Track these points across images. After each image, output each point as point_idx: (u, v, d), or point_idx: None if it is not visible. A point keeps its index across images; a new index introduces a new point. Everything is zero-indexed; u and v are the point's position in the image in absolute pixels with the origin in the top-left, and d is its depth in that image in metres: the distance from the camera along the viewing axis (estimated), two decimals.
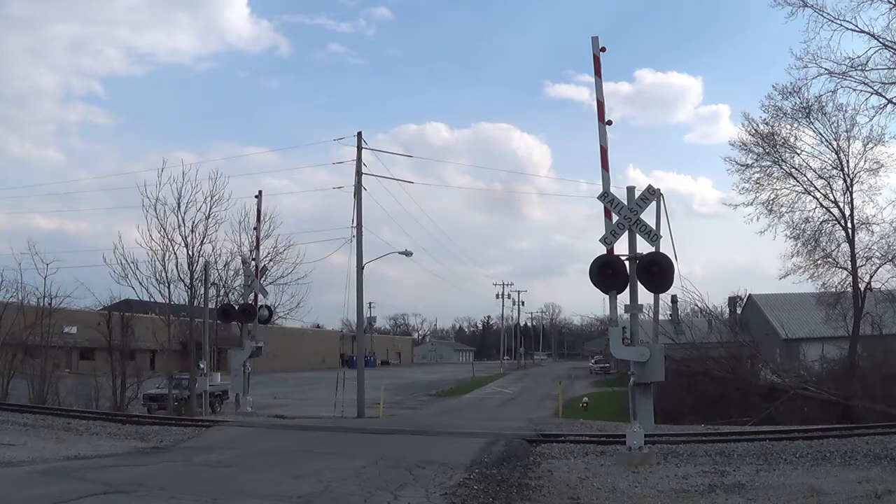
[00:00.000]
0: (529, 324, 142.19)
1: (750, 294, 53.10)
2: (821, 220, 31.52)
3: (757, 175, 32.03)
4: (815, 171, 31.50)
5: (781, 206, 31.80)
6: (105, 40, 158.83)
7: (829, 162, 31.20)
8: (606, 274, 13.62)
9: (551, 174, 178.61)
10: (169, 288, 27.08)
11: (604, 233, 13.87)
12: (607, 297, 14.00)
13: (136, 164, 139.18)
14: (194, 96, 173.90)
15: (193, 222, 27.31)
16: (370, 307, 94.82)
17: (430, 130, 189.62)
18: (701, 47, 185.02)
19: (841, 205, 31.04)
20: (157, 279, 26.96)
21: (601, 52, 14.11)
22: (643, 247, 13.75)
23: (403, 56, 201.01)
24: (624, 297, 13.91)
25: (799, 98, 29.78)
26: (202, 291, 27.36)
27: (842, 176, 30.94)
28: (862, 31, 25.03)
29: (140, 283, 27.07)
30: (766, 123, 31.62)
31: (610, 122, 14.32)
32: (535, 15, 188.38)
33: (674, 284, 14.06)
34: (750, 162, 32.10)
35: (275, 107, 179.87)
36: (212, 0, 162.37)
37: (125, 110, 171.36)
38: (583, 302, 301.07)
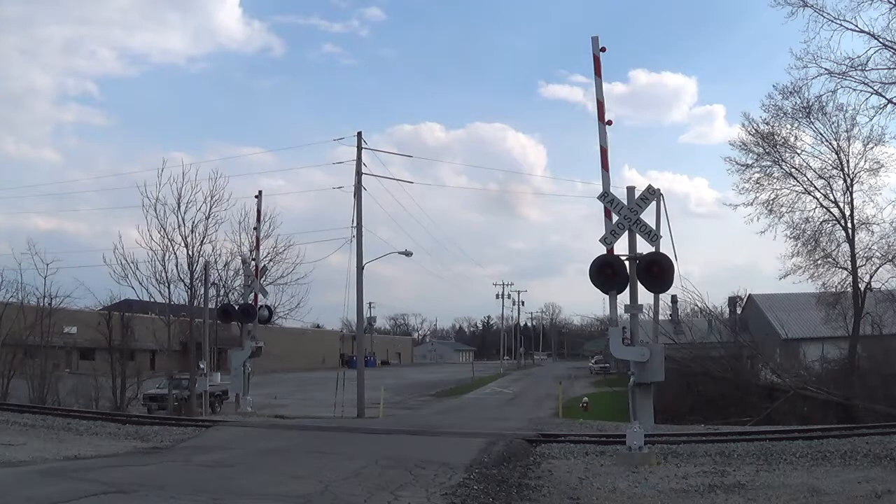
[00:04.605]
0: (529, 324, 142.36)
1: (750, 294, 53.06)
2: (821, 220, 31.57)
3: (757, 175, 32.08)
4: (815, 171, 31.55)
5: (781, 206, 31.85)
6: (98, 41, 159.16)
7: (830, 162, 31.25)
8: (606, 274, 13.60)
9: (547, 174, 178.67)
10: (169, 288, 27.11)
11: (603, 233, 13.86)
12: (607, 297, 14.00)
13: (132, 165, 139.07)
14: (189, 97, 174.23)
15: (193, 222, 27.33)
16: (370, 307, 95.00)
17: (425, 130, 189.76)
18: (695, 47, 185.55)
19: (841, 205, 31.09)
20: (157, 279, 26.99)
21: (601, 52, 14.11)
22: (643, 247, 13.75)
23: (397, 56, 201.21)
24: (624, 297, 13.92)
25: (799, 98, 29.82)
26: (202, 291, 27.36)
27: (842, 176, 30.96)
28: (862, 31, 24.99)
29: (140, 283, 27.11)
30: (767, 123, 31.68)
31: (610, 122, 14.31)
32: (528, 15, 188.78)
33: (674, 284, 14.07)
34: (750, 162, 32.15)
35: (269, 107, 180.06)
36: (203, 1, 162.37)
37: (120, 111, 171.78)
38: (582, 302, 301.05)
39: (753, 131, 31.99)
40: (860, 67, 25.37)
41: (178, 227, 27.10)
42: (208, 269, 27.51)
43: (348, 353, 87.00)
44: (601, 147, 14.05)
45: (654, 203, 13.89)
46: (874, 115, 29.71)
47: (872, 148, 30.49)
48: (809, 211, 31.75)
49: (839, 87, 27.14)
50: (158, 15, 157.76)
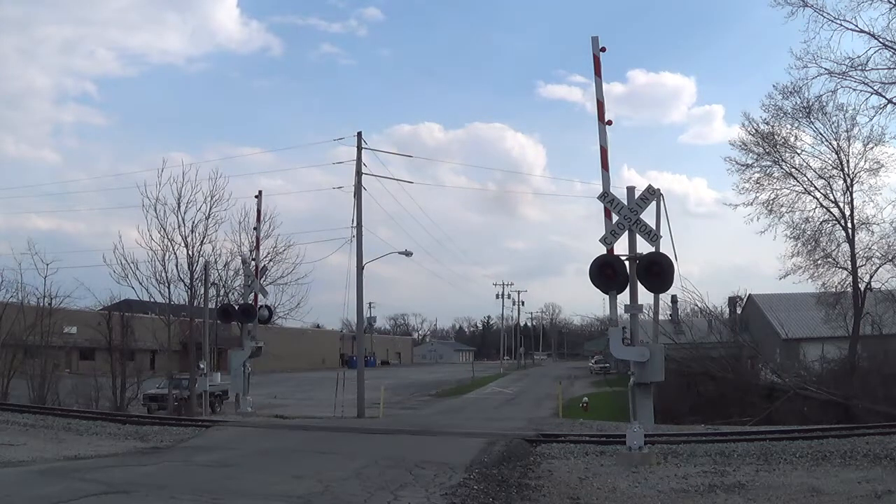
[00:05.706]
0: (529, 324, 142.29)
1: (750, 294, 53.06)
2: (821, 220, 31.62)
3: (757, 175, 32.15)
4: (815, 171, 31.60)
5: (781, 206, 31.91)
6: (97, 41, 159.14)
7: (830, 162, 31.30)
8: (606, 274, 13.61)
9: (546, 174, 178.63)
10: (169, 288, 27.14)
11: (603, 233, 13.86)
12: (607, 297, 14.00)
13: (131, 165, 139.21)
14: (187, 97, 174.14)
15: (193, 222, 27.38)
16: (370, 307, 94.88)
17: (424, 131, 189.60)
18: (694, 47, 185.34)
19: (841, 205, 31.13)
20: (157, 279, 27.02)
21: (601, 52, 14.10)
22: (643, 247, 13.75)
23: (396, 56, 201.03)
24: (624, 297, 13.92)
25: (799, 98, 29.89)
26: (202, 291, 27.38)
27: (842, 176, 31.01)
28: (862, 31, 25.04)
29: (140, 283, 27.14)
30: (767, 123, 31.75)
31: (610, 122, 14.30)
32: (527, 15, 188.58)
33: (674, 284, 14.07)
34: (750, 162, 32.23)
35: (269, 107, 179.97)
36: (202, 1, 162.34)
37: (119, 111, 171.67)
38: (582, 302, 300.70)
39: (753, 131, 32.08)
40: (860, 67, 25.43)
41: (178, 227, 27.17)
42: (208, 269, 27.54)
43: (348, 353, 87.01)
44: (601, 147, 14.05)
45: (653, 203, 13.90)
46: (874, 115, 29.88)
47: (872, 148, 30.59)
48: (809, 211, 31.84)
49: (839, 87, 27.23)
50: (157, 15, 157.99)
